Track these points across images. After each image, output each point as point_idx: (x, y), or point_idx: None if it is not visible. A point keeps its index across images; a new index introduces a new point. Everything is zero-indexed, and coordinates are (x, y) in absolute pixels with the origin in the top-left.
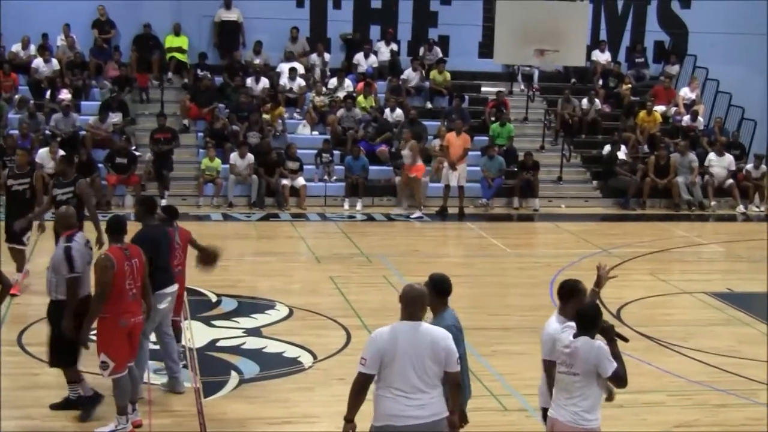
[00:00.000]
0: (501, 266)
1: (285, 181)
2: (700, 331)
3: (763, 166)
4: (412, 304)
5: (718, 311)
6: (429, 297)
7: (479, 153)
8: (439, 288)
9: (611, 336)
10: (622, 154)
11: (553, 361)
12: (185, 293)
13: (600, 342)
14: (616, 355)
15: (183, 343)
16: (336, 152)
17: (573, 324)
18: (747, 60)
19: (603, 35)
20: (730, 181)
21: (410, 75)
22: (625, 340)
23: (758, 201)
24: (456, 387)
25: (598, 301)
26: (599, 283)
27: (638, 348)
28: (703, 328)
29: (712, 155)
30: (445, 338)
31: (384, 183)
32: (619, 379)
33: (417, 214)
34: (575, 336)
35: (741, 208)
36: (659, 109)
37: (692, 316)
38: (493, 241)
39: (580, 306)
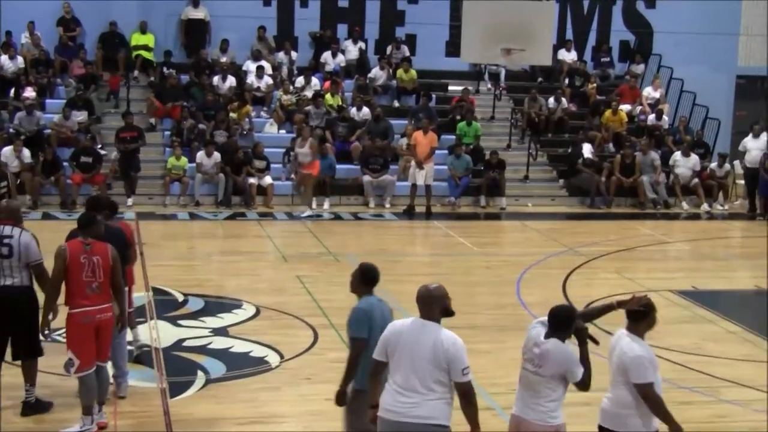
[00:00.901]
0: (468, 265)
1: (252, 180)
2: (666, 329)
3: (727, 165)
4: (421, 303)
5: (683, 309)
6: (356, 282)
7: (446, 152)
8: (365, 276)
9: (584, 338)
10: (587, 153)
11: (652, 382)
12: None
13: (570, 347)
14: (585, 358)
15: (138, 338)
16: None
17: (545, 320)
18: (711, 60)
19: (569, 34)
20: (695, 180)
21: (377, 73)
22: (596, 342)
23: (722, 200)
24: (465, 399)
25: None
26: (624, 304)
27: (605, 346)
28: (669, 326)
29: (677, 155)
30: (449, 344)
31: (351, 182)
32: (584, 384)
33: (308, 212)
34: (546, 336)
35: (705, 206)
36: (625, 108)
37: (658, 314)
38: (460, 239)
39: (648, 323)
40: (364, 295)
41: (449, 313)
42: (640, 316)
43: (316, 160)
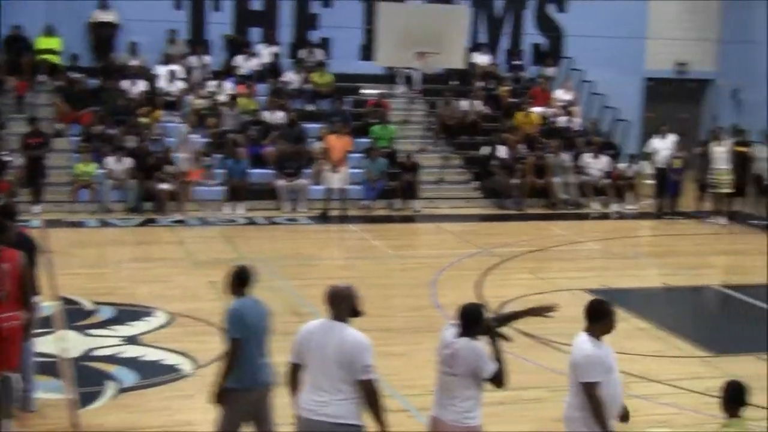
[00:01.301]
0: (383, 268)
1: (164, 186)
2: (578, 327)
3: (636, 166)
4: (329, 303)
5: None
6: (230, 284)
7: (361, 155)
8: (238, 278)
9: (494, 336)
10: (501, 155)
11: (597, 382)
12: None
13: (480, 343)
14: (498, 356)
15: None
16: (217, 155)
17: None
18: (620, 62)
19: (482, 38)
20: (606, 180)
21: (291, 77)
22: (508, 339)
23: (631, 199)
24: (369, 397)
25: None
26: (534, 311)
27: (519, 345)
28: (581, 324)
29: (588, 156)
30: (352, 342)
31: (265, 186)
32: (498, 381)
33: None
34: (458, 336)
35: (615, 206)
36: (537, 110)
37: (570, 312)
38: (374, 242)
39: (605, 325)
40: (239, 296)
41: (357, 313)
42: (595, 318)
43: (199, 169)
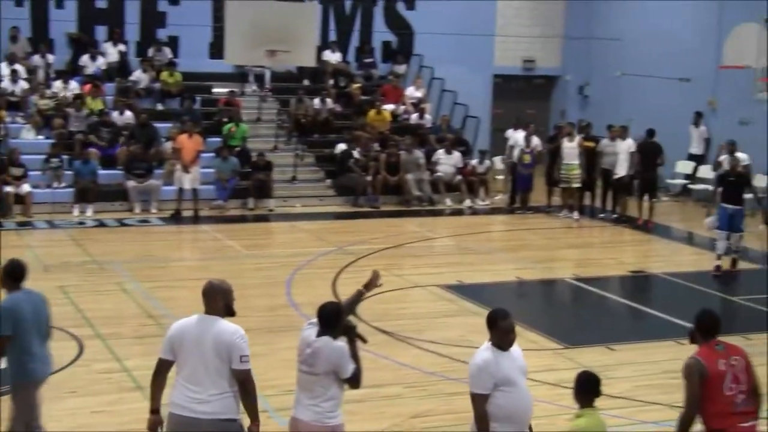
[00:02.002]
0: (238, 268)
1: (9, 188)
2: (433, 323)
3: (487, 162)
4: (204, 298)
5: (449, 303)
6: (3, 279)
7: (213, 154)
8: (10, 271)
9: (352, 336)
10: (355, 153)
11: (481, 394)
12: None
13: (341, 343)
14: (354, 356)
15: None
16: (65, 156)
17: (316, 321)
18: (469, 59)
19: (333, 36)
20: (458, 176)
21: (140, 76)
22: (364, 341)
23: (483, 195)
24: (243, 387)
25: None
26: (369, 285)
27: (375, 342)
28: (436, 320)
29: (440, 153)
30: (229, 333)
31: (115, 187)
32: (356, 381)
33: None
34: (318, 335)
35: (468, 202)
36: (389, 107)
37: (425, 308)
38: (228, 243)
39: (496, 336)
40: (12, 290)
41: (232, 311)
42: (488, 327)
43: None
